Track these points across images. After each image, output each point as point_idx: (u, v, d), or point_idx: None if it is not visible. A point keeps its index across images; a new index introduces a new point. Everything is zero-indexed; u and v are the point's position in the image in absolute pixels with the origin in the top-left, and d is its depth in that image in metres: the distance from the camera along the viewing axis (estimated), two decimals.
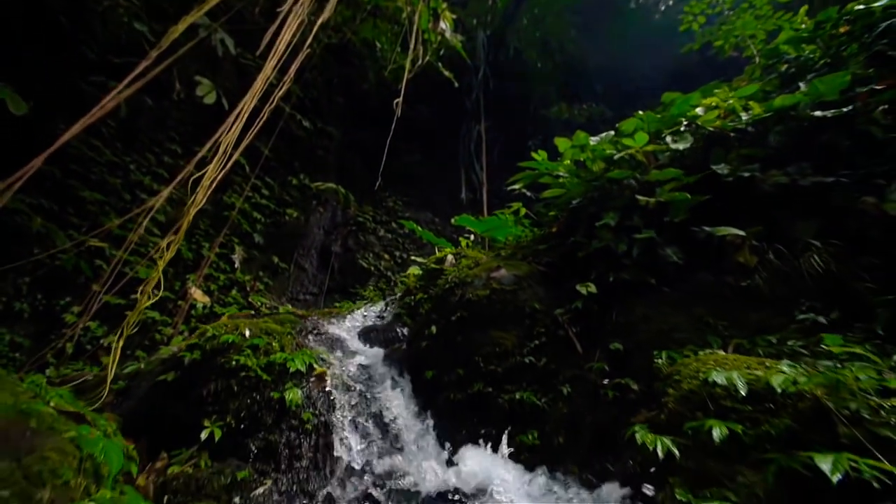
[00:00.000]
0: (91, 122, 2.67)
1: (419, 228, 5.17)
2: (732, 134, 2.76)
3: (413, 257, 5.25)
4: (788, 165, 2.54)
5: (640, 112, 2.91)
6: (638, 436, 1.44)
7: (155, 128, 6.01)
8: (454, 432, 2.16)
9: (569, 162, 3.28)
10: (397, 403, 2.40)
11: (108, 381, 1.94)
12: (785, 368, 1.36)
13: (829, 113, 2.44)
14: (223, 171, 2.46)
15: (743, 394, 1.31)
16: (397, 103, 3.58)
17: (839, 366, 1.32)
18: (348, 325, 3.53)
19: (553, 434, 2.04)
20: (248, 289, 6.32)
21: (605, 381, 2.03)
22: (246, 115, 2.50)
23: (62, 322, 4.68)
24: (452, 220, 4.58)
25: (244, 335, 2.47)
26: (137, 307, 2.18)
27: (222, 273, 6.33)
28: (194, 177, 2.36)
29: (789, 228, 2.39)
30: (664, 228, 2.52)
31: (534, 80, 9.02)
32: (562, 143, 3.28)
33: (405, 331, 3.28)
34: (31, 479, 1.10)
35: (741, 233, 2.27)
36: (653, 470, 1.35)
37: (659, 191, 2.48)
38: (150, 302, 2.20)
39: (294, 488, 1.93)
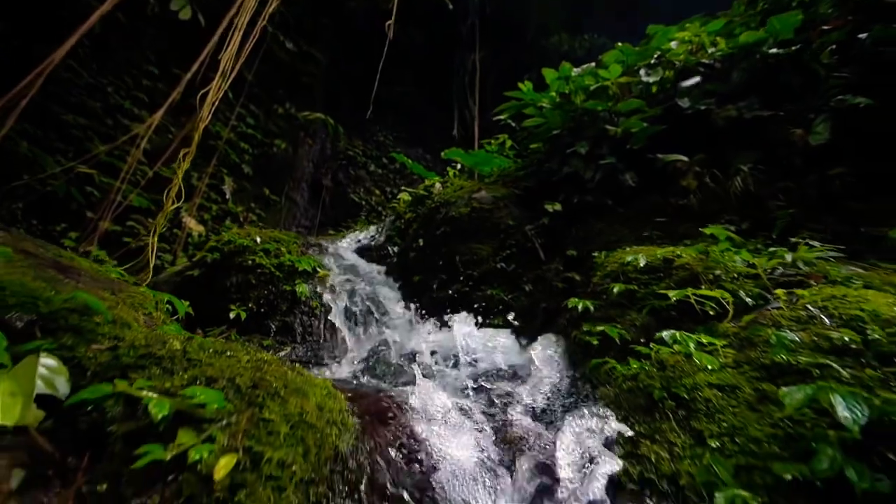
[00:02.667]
0: (74, 41, 2.85)
1: (409, 161, 5.50)
2: (701, 69, 3.09)
3: (403, 188, 5.65)
4: (744, 101, 2.93)
5: (620, 44, 3.18)
6: (570, 301, 2.04)
7: (130, 47, 5.92)
8: (436, 317, 2.79)
9: (554, 93, 3.58)
10: (389, 299, 3.01)
11: (151, 265, 2.44)
12: (677, 250, 1.92)
13: (781, 51, 2.78)
14: (224, 88, 2.74)
15: (641, 265, 1.88)
16: (389, 25, 3.72)
17: (718, 249, 1.88)
18: (344, 245, 4.05)
19: (515, 318, 2.68)
20: (241, 220, 6.73)
21: (558, 277, 2.63)
22: (242, 30, 2.71)
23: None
24: (442, 154, 4.92)
25: (256, 241, 2.97)
26: (164, 209, 2.62)
27: (214, 203, 6.68)
28: (200, 93, 2.66)
29: (734, 157, 2.86)
30: (625, 155, 2.97)
31: (533, 6, 8.69)
32: (549, 73, 3.56)
33: (395, 249, 3.82)
34: (129, 305, 1.63)
35: (685, 159, 2.74)
36: (576, 321, 1.96)
37: (621, 120, 2.88)
38: (175, 206, 2.63)
39: (308, 354, 2.57)
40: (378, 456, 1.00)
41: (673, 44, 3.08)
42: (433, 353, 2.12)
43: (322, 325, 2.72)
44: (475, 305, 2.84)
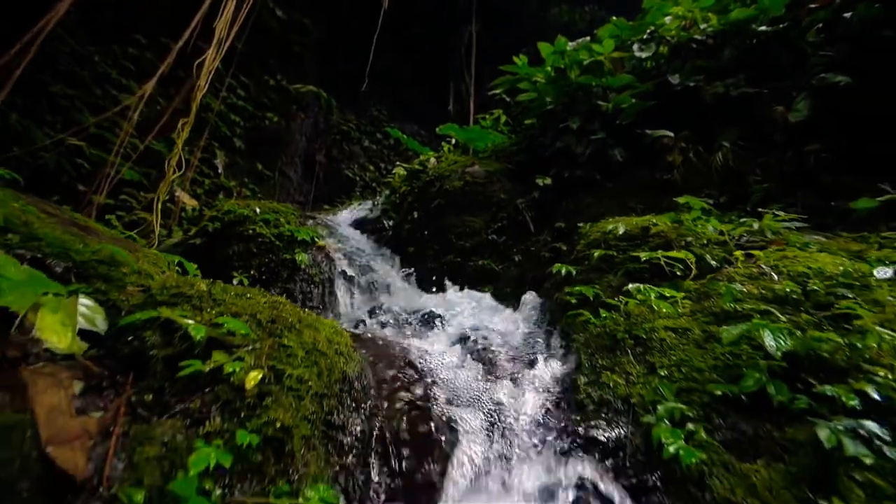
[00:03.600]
0: (66, 8, 2.86)
1: (404, 136, 5.57)
2: (693, 45, 3.18)
3: (398, 163, 5.73)
4: (732, 78, 3.05)
5: (615, 18, 3.25)
6: (554, 267, 2.23)
7: (116, 15, 5.80)
8: (430, 285, 2.97)
9: (549, 68, 3.66)
10: (385, 269, 3.18)
11: (156, 233, 2.58)
12: (656, 218, 2.10)
13: (770, 28, 2.88)
14: (220, 56, 2.80)
15: (620, 233, 2.06)
16: None
17: (690, 217, 2.05)
18: (340, 219, 4.19)
19: (504, 286, 2.87)
20: (234, 194, 6.79)
21: (545, 248, 2.81)
22: None
23: None
24: (438, 129, 4.99)
25: (255, 211, 3.09)
26: (167, 178, 2.73)
27: (206, 178, 6.71)
28: (197, 62, 2.72)
29: (720, 134, 3.01)
30: (614, 131, 3.10)
31: None
32: (544, 47, 3.62)
33: (391, 223, 3.97)
34: (147, 259, 1.78)
35: (671, 135, 2.88)
36: (559, 284, 2.16)
37: (612, 96, 3.00)
38: (176, 175, 2.74)
39: None
40: (380, 377, 1.20)
41: (667, 19, 3.16)
42: (427, 313, 2.31)
43: (321, 292, 2.90)
44: (467, 274, 3.02)
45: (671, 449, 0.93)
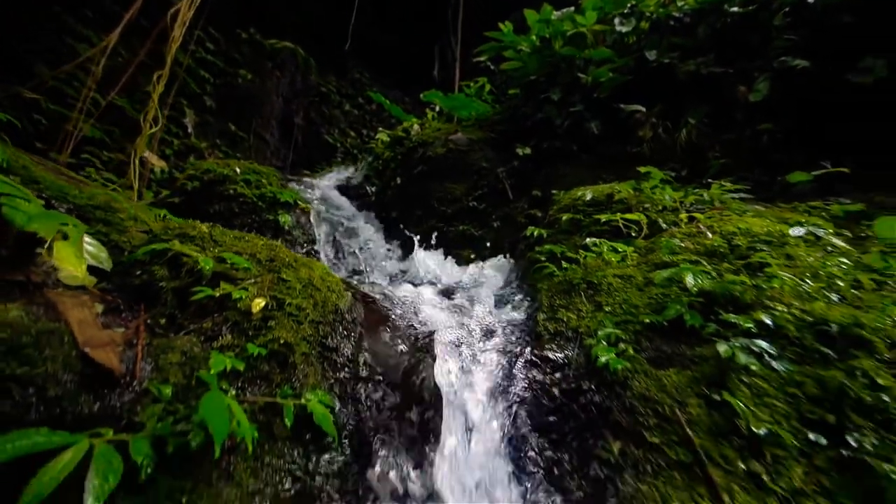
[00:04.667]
0: None
1: (387, 102, 5.55)
2: (671, 22, 3.35)
3: (381, 129, 5.75)
4: (704, 57, 3.25)
5: None
6: (528, 230, 2.45)
7: None
8: (412, 248, 3.16)
9: (534, 37, 3.75)
10: (368, 232, 3.33)
11: (136, 188, 2.62)
12: (618, 186, 2.33)
13: (741, 9, 3.07)
14: (196, 5, 2.75)
15: (588, 199, 2.29)
16: None
17: (649, 186, 2.30)
18: (323, 184, 4.26)
19: (483, 250, 3.09)
20: (206, 156, 6.63)
21: (522, 214, 3.03)
22: None
23: None
24: (422, 96, 5.02)
25: (236, 171, 3.14)
26: (143, 132, 2.73)
27: (175, 138, 6.50)
28: (171, 11, 2.67)
29: (689, 110, 3.24)
30: (592, 104, 3.29)
31: None
32: (530, 15, 3.70)
33: (373, 188, 4.08)
34: (138, 209, 1.87)
35: (644, 110, 3.09)
36: (531, 245, 2.38)
37: (591, 69, 3.16)
38: (154, 131, 2.75)
39: None
40: (368, 313, 1.40)
41: None
42: (409, 272, 2.51)
43: (304, 254, 3.04)
44: (449, 239, 3.22)
45: (603, 359, 1.18)
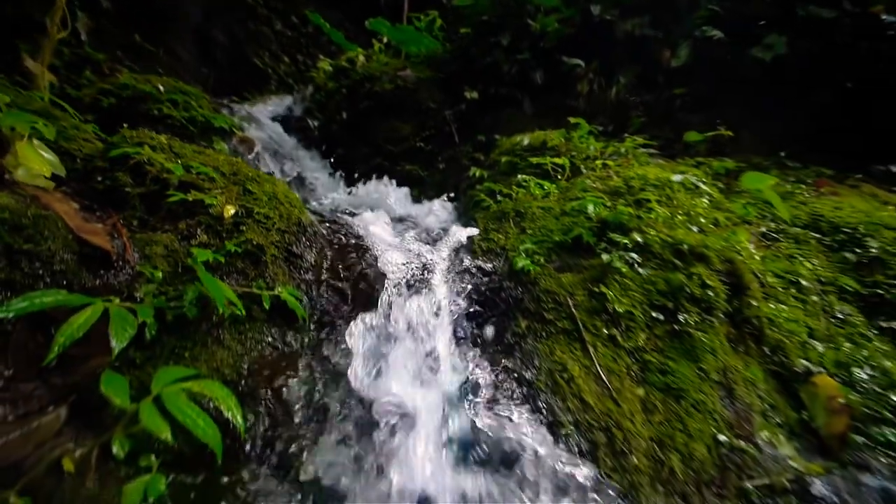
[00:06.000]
0: None
1: (327, 25, 5.30)
2: None
3: (322, 58, 5.51)
4: (640, 17, 3.66)
5: None
6: (471, 171, 2.79)
7: None
8: (359, 186, 3.35)
9: None
10: (313, 168, 3.44)
11: (46, 99, 2.42)
12: (551, 134, 2.73)
13: None
14: None
15: (525, 144, 2.67)
16: None
17: (577, 135, 2.73)
18: (258, 113, 4.13)
19: (429, 190, 3.39)
20: (105, 70, 5.82)
21: (467, 157, 3.35)
22: None
23: None
24: (367, 23, 4.87)
25: (159, 89, 2.99)
26: (51, 38, 2.48)
27: (66, 47, 5.60)
28: None
29: (622, 69, 3.69)
30: (538, 53, 3.58)
31: None
32: None
33: (317, 123, 4.08)
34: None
35: (583, 64, 3.47)
36: (473, 184, 2.74)
37: (539, 17, 3.42)
38: (63, 35, 2.51)
39: None
40: (326, 231, 1.66)
41: None
42: (351, 204, 2.75)
43: None
44: (396, 178, 3.46)
45: (520, 265, 1.61)
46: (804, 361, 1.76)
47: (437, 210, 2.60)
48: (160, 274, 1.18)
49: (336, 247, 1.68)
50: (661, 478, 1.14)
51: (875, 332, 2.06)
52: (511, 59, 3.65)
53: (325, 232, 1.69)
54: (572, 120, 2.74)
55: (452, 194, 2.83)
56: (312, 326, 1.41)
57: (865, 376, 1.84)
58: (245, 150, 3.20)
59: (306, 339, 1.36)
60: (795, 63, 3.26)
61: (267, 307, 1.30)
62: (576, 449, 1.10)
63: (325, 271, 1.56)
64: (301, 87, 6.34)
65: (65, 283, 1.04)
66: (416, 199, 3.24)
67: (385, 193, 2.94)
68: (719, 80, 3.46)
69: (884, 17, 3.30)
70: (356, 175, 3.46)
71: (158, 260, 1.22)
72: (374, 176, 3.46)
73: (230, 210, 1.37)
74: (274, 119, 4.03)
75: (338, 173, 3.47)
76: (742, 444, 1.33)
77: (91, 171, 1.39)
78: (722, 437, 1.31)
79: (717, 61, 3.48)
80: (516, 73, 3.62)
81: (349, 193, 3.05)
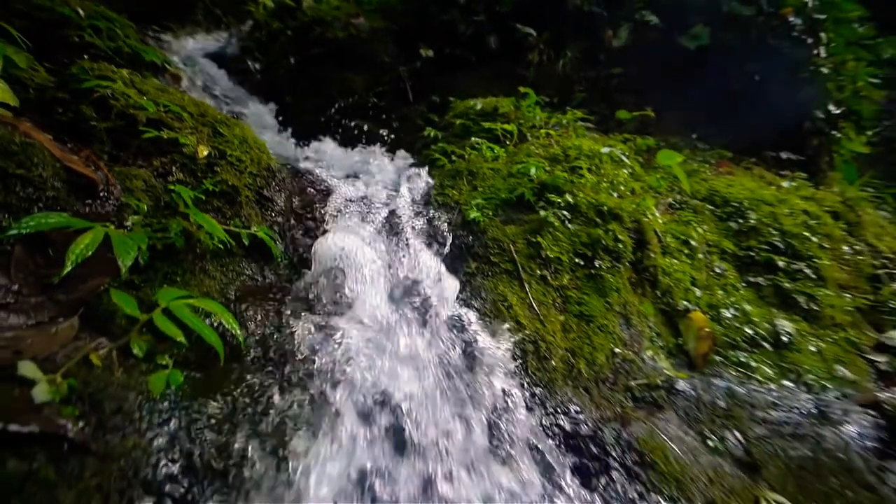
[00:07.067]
0: None
1: None
2: None
3: None
4: None
5: None
6: (426, 131, 3.01)
7: None
8: (309, 139, 3.41)
9: None
10: (258, 114, 3.41)
11: None
12: (503, 101, 3.04)
13: None
14: None
15: (478, 108, 2.95)
16: None
17: (525, 104, 3.06)
18: (189, 48, 3.90)
19: (382, 147, 3.55)
20: None
21: (420, 117, 3.54)
22: None
23: None
24: None
25: (79, 12, 2.74)
26: None
27: None
28: None
29: (570, 43, 4.04)
30: (493, 17, 3.80)
31: None
32: None
33: (258, 65, 3.96)
34: None
35: (535, 34, 3.77)
36: (427, 144, 2.97)
37: None
38: None
39: None
40: (291, 177, 1.84)
41: None
42: (308, 158, 2.86)
43: None
44: (348, 133, 3.56)
45: (472, 215, 1.94)
46: (685, 302, 2.34)
47: (395, 167, 2.82)
48: (145, 206, 1.31)
49: (302, 193, 1.87)
50: (572, 376, 1.58)
51: (744, 284, 2.74)
52: (468, 19, 3.82)
53: (291, 178, 1.87)
54: (522, 89, 3.05)
55: (408, 153, 3.04)
56: (284, 262, 1.63)
57: (730, 315, 2.49)
58: (176, 88, 3.08)
59: (280, 273, 1.58)
60: (717, 53, 3.84)
61: (246, 244, 1.49)
62: (510, 354, 1.49)
63: (291, 214, 1.75)
64: (233, 22, 5.90)
65: (58, 209, 1.15)
66: (372, 155, 3.40)
67: (339, 151, 3.06)
68: (652, 63, 3.96)
69: (791, 18, 3.98)
70: (304, 128, 3.50)
71: (140, 194, 1.34)
72: (324, 132, 3.53)
73: (203, 150, 1.49)
74: (207, 55, 3.84)
75: (286, 123, 3.48)
76: (632, 356, 1.84)
77: (49, 101, 1.42)
78: (617, 350, 1.80)
79: (651, 45, 3.96)
80: (472, 36, 3.81)
81: (301, 146, 3.12)
